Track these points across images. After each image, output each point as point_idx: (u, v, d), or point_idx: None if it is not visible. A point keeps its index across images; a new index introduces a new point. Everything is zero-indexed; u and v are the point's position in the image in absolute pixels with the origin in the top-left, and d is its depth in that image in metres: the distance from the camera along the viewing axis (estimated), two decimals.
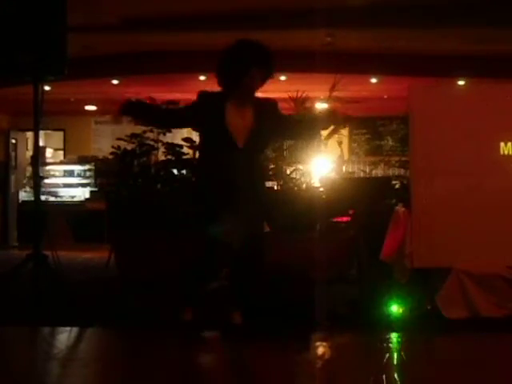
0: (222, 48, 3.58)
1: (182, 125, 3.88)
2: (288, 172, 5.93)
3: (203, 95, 3.57)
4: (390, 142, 8.68)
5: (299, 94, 5.67)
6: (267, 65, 3.53)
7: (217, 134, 3.45)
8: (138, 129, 6.06)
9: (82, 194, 10.27)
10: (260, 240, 3.55)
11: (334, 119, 3.66)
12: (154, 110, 3.73)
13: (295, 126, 3.74)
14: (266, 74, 3.54)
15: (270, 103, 3.62)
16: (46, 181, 10.15)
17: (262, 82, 3.56)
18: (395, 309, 3.89)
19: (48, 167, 10.39)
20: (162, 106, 3.65)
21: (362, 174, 8.87)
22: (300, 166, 5.91)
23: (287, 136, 3.97)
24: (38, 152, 4.36)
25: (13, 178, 10.37)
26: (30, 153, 10.32)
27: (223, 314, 3.58)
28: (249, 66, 3.46)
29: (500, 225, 4.10)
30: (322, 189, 5.70)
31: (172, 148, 5.83)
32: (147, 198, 5.60)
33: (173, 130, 6.11)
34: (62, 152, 11.28)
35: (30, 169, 10.16)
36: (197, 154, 6.27)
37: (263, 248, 3.55)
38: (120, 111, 3.55)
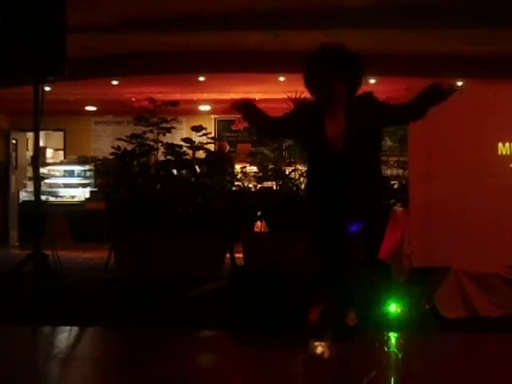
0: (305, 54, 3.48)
1: (283, 137, 3.80)
2: (287, 172, 5.95)
3: (300, 106, 3.60)
4: (389, 143, 8.66)
5: (298, 95, 5.68)
6: (349, 69, 3.37)
7: (316, 143, 3.42)
8: (138, 129, 6.08)
9: (82, 194, 10.28)
10: (371, 238, 3.51)
11: (442, 93, 3.38)
12: (263, 119, 3.60)
13: (400, 111, 3.51)
14: (352, 77, 3.39)
15: (364, 99, 3.51)
16: (47, 181, 10.16)
17: (352, 85, 3.41)
18: (394, 309, 3.90)
19: (48, 167, 10.40)
20: (269, 115, 3.57)
21: None
22: (299, 166, 5.92)
23: (395, 122, 3.75)
24: (39, 152, 4.37)
25: (13, 178, 10.38)
26: (30, 153, 10.33)
27: (332, 315, 3.53)
28: (327, 77, 3.34)
29: (498, 224, 4.10)
30: None
31: (171, 148, 5.85)
32: (147, 198, 5.62)
33: (172, 130, 6.14)
34: (62, 152, 11.29)
35: (30, 169, 10.17)
36: (197, 155, 6.32)
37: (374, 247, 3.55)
38: (234, 107, 3.51)
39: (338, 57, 3.38)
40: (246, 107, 3.54)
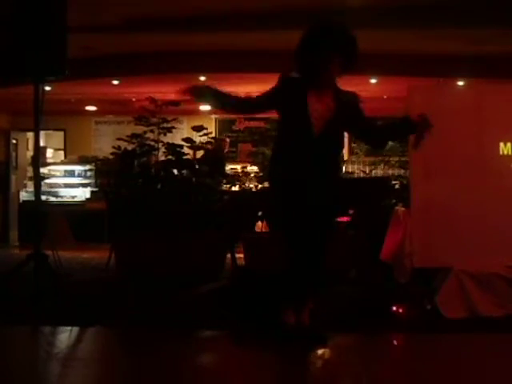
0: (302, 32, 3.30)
1: (261, 108, 3.47)
2: None
3: (285, 79, 3.34)
4: (390, 143, 8.67)
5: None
6: (349, 51, 3.25)
7: (297, 120, 3.25)
8: (139, 129, 6.08)
9: (83, 194, 10.28)
10: (325, 232, 3.33)
11: (423, 126, 3.34)
12: (229, 96, 3.39)
13: (372, 131, 3.44)
14: (348, 61, 3.28)
15: (352, 96, 3.37)
16: (47, 181, 10.16)
17: (343, 69, 3.29)
18: (395, 309, 3.89)
19: (48, 167, 10.40)
20: (239, 96, 3.39)
21: (361, 174, 8.87)
22: None
23: (360, 137, 3.64)
24: (39, 152, 4.37)
25: (13, 178, 10.39)
26: (30, 153, 10.33)
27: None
28: (328, 52, 3.21)
29: (499, 224, 4.10)
30: None
31: (172, 148, 5.84)
32: (147, 198, 5.61)
33: (172, 130, 6.13)
34: (62, 152, 11.29)
35: (30, 169, 10.17)
36: (198, 155, 6.31)
37: (327, 240, 3.35)
38: (193, 95, 3.33)
39: (345, 36, 3.27)
40: (204, 91, 3.36)
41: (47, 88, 6.29)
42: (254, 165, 6.68)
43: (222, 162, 6.46)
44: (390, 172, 7.09)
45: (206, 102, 3.41)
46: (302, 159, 3.26)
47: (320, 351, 3.27)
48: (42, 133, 5.65)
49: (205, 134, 6.02)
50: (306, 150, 3.25)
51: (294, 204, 3.25)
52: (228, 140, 8.65)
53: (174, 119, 6.21)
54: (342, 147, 3.51)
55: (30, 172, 10.26)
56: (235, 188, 6.25)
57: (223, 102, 3.43)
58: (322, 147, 3.26)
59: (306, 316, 3.36)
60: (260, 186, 6.07)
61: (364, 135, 3.52)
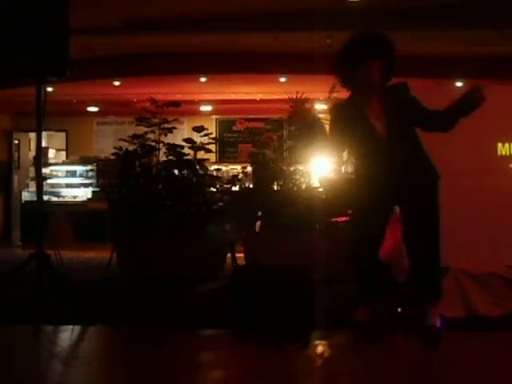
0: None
1: (342, 147, 3.47)
2: (288, 172, 5.95)
3: (336, 107, 3.38)
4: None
5: (299, 95, 5.67)
6: (383, 54, 3.22)
7: (364, 132, 3.23)
8: (140, 130, 6.10)
9: (84, 194, 10.30)
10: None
11: (476, 100, 3.26)
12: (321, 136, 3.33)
13: (438, 116, 3.36)
14: (386, 63, 3.23)
15: (401, 88, 3.29)
16: (49, 181, 10.19)
17: (385, 72, 3.24)
18: (394, 308, 3.90)
19: (50, 167, 10.43)
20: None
21: None
22: (300, 166, 5.93)
23: (423, 125, 3.43)
24: (41, 152, 4.39)
25: (16, 178, 10.41)
26: (32, 153, 10.35)
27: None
28: (360, 62, 3.18)
29: (498, 224, 4.11)
30: (321, 189, 5.72)
31: (173, 149, 5.87)
32: (148, 198, 5.64)
33: (173, 131, 6.15)
34: (64, 152, 11.32)
35: (32, 169, 10.20)
36: (199, 155, 6.32)
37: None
38: (301, 120, 3.32)
39: (378, 40, 3.26)
40: (314, 123, 3.30)
41: (49, 89, 6.28)
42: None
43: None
44: None
45: (310, 132, 3.36)
46: (381, 163, 3.23)
47: (320, 351, 3.28)
48: (43, 133, 5.66)
49: (205, 135, 6.04)
50: (381, 154, 3.23)
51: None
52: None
53: (175, 120, 6.23)
54: (416, 142, 3.38)
55: (31, 172, 10.29)
56: (235, 188, 6.27)
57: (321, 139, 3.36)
58: (396, 153, 3.22)
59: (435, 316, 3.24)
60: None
61: (431, 123, 3.41)
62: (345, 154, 6.92)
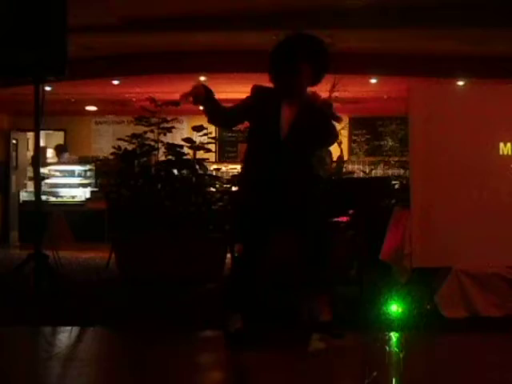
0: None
1: (237, 120, 3.57)
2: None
3: (257, 89, 3.42)
4: (390, 142, 8.65)
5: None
6: (317, 60, 3.30)
7: (267, 125, 3.31)
8: (139, 129, 6.08)
9: (83, 194, 10.28)
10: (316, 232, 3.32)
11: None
12: (220, 111, 3.44)
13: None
14: (318, 69, 3.32)
15: (322, 104, 3.38)
16: (47, 181, 10.16)
17: (315, 78, 3.34)
18: (395, 309, 3.89)
19: (49, 167, 10.40)
20: (223, 106, 3.43)
21: (361, 175, 8.87)
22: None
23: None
24: (39, 152, 4.37)
25: (14, 178, 10.38)
26: (30, 153, 10.33)
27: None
28: (294, 62, 3.25)
29: (499, 224, 4.10)
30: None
31: (172, 148, 5.85)
32: (147, 198, 5.62)
33: (173, 130, 6.13)
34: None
35: (30, 169, 10.17)
36: (198, 155, 6.30)
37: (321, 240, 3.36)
38: (195, 99, 3.32)
39: (312, 46, 3.33)
40: (207, 99, 3.35)
41: (47, 88, 6.29)
42: None
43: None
44: (390, 172, 7.10)
45: (203, 105, 3.42)
46: (270, 161, 3.31)
47: (320, 351, 3.27)
48: (42, 133, 5.65)
49: (205, 134, 6.02)
50: (273, 151, 3.31)
51: (261, 204, 3.30)
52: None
53: (174, 119, 6.21)
54: (310, 150, 3.49)
55: (30, 172, 10.26)
56: (235, 188, 6.25)
57: (214, 110, 3.44)
58: (289, 149, 3.31)
59: (324, 312, 3.35)
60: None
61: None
62: (345, 154, 6.83)
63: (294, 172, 3.33)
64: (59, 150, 10.43)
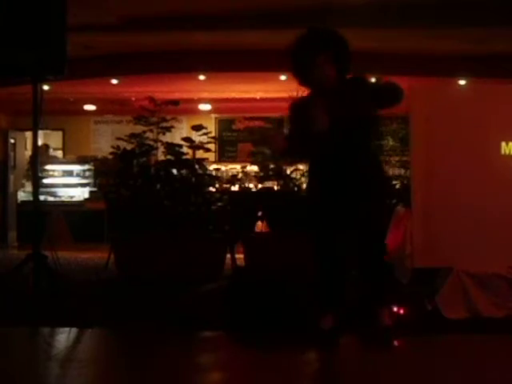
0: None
1: (305, 143, 3.46)
2: (288, 172, 5.93)
3: (292, 104, 3.48)
4: (390, 142, 8.63)
5: (299, 94, 5.65)
6: (334, 47, 3.29)
7: (309, 127, 3.27)
8: (138, 129, 6.06)
9: (82, 193, 10.26)
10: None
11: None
12: (294, 148, 3.42)
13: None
14: (338, 57, 3.30)
15: (355, 81, 3.33)
16: (45, 181, 10.14)
17: (339, 66, 3.31)
18: (395, 309, 3.88)
19: (47, 167, 10.38)
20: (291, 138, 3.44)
21: None
22: (300, 166, 5.90)
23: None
24: (37, 152, 4.35)
25: (12, 177, 10.36)
26: (28, 153, 10.30)
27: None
28: (311, 56, 3.26)
29: (501, 225, 4.08)
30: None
31: (172, 148, 5.83)
32: (147, 197, 5.60)
33: (172, 130, 6.11)
34: (61, 152, 11.27)
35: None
36: (198, 154, 6.28)
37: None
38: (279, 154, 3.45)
39: (325, 36, 3.33)
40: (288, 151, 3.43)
41: (46, 87, 6.27)
42: (254, 164, 6.67)
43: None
44: (391, 172, 7.08)
45: (283, 154, 3.53)
46: (328, 153, 3.29)
47: (320, 351, 3.26)
48: (40, 132, 5.62)
49: (204, 134, 6.00)
50: (327, 146, 3.27)
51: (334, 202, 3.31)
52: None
53: (174, 118, 6.19)
54: (362, 143, 3.41)
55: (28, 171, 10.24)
56: (235, 188, 6.24)
57: (292, 151, 3.46)
58: (337, 147, 3.27)
59: (385, 317, 3.40)
60: (260, 185, 6.06)
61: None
62: None
63: (356, 160, 3.29)
64: (44, 149, 10.40)
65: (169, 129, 6.00)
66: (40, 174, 9.86)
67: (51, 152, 10.83)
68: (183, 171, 5.80)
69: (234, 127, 10.96)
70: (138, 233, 5.44)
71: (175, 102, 5.95)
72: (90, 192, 10.08)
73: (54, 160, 10.54)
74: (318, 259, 3.44)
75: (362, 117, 3.29)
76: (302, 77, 3.35)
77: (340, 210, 3.33)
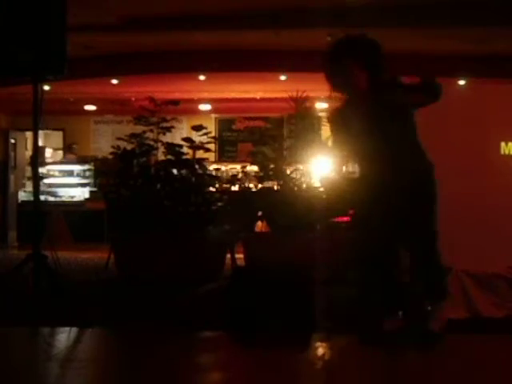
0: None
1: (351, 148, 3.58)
2: (288, 172, 5.92)
3: (330, 115, 3.55)
4: None
5: (299, 94, 5.66)
6: (362, 54, 3.35)
7: (358, 140, 3.36)
8: (138, 129, 6.06)
9: (82, 193, 10.26)
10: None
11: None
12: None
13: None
14: (368, 63, 3.35)
15: (387, 83, 3.36)
16: (46, 181, 10.14)
17: (371, 71, 3.36)
18: (395, 309, 3.87)
19: (47, 167, 10.38)
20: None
21: None
22: (300, 166, 5.90)
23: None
24: (38, 152, 4.35)
25: (12, 178, 10.36)
26: (29, 153, 10.31)
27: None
28: (340, 61, 3.32)
29: (501, 225, 4.08)
30: (322, 189, 5.69)
31: (172, 148, 5.83)
32: (147, 197, 5.60)
33: (172, 130, 6.11)
34: (61, 152, 11.28)
35: (29, 169, 10.15)
36: (198, 154, 6.28)
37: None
38: None
39: (352, 43, 3.39)
40: None
41: (46, 87, 6.27)
42: (254, 164, 6.66)
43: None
44: None
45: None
46: (373, 165, 3.36)
47: (321, 353, 3.25)
48: (40, 132, 5.62)
49: (204, 134, 6.00)
50: (372, 155, 3.35)
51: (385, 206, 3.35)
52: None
53: (174, 119, 6.19)
54: (405, 138, 3.43)
55: (28, 172, 10.24)
56: (235, 188, 6.24)
57: None
58: (383, 147, 3.32)
59: (436, 322, 3.39)
60: (260, 185, 6.05)
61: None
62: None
63: (394, 163, 3.33)
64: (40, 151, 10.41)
65: (169, 129, 6.00)
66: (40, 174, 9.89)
67: (51, 153, 10.84)
68: (183, 171, 5.80)
69: (233, 127, 10.96)
70: (137, 233, 5.44)
71: (175, 102, 5.95)
72: (90, 192, 10.08)
73: (50, 163, 10.55)
74: (370, 264, 3.44)
75: (405, 112, 3.35)
76: (334, 83, 3.41)
77: (395, 211, 3.36)
